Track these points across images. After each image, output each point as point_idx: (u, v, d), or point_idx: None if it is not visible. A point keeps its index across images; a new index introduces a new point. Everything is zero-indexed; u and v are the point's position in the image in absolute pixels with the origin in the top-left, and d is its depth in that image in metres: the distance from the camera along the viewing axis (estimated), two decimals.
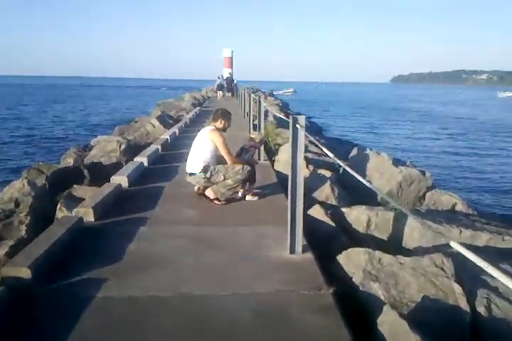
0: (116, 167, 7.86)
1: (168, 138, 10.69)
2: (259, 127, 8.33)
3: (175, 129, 12.66)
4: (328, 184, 6.49)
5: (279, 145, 10.89)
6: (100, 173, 7.48)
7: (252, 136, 6.04)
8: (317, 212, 5.25)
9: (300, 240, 3.87)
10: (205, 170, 5.30)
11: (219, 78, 33.02)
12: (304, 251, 3.89)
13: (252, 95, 13.16)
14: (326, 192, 6.32)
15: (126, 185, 6.16)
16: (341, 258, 3.89)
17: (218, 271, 3.55)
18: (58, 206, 5.36)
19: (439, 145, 22.54)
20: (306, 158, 8.17)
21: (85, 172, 7.14)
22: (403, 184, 7.02)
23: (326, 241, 4.82)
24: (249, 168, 5.45)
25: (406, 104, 64.81)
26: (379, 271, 3.55)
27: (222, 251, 3.94)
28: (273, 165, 8.00)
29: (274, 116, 16.33)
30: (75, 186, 6.21)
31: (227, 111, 5.61)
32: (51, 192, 6.34)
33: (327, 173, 7.25)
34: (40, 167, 11.61)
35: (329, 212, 5.40)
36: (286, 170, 7.73)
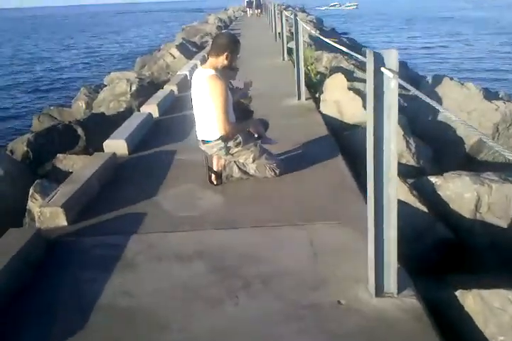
0: (124, 117, 6.20)
1: (188, 73, 8.83)
2: (297, 51, 6.37)
3: (196, 61, 10.71)
4: (399, 134, 4.67)
5: (321, 74, 8.90)
6: (101, 129, 5.88)
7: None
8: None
9: (394, 273, 2.21)
10: (224, 136, 3.58)
11: None
12: (400, 288, 2.25)
13: (285, 12, 10.90)
14: (398, 149, 4.53)
15: (125, 152, 4.55)
16: (468, 300, 2.25)
17: None
18: (30, 192, 3.87)
19: None
20: (357, 91, 6.27)
21: (79, 131, 5.56)
22: (501, 126, 5.12)
23: (419, 244, 3.17)
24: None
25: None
26: None
27: (259, 294, 2.36)
28: (318, 107, 6.16)
29: (311, 37, 13.99)
30: (58, 155, 4.67)
31: (233, 38, 3.62)
32: (31, 167, 4.84)
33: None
34: (51, 111, 10.28)
35: (409, 183, 3.67)
36: (339, 115, 5.93)
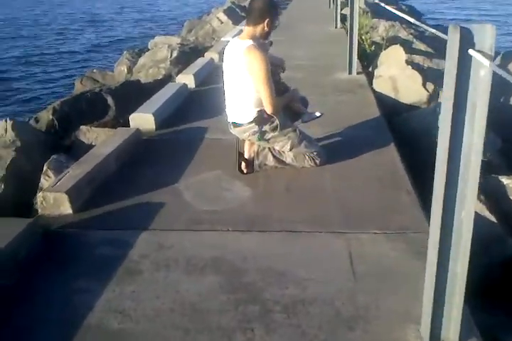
0: (161, 85, 5.75)
1: (231, 40, 8.24)
2: (352, 18, 5.65)
3: (243, 26, 10.07)
4: None
5: (377, 45, 8.10)
6: (136, 98, 5.46)
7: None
8: None
9: (457, 318, 1.69)
10: (259, 119, 3.07)
11: None
12: (463, 338, 1.73)
13: None
14: None
15: (152, 127, 4.12)
16: None
17: None
18: (44, 169, 3.53)
19: None
20: (416, 66, 5.55)
21: (109, 100, 5.17)
22: None
23: (484, 260, 2.60)
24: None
25: None
26: None
27: (279, 328, 1.91)
28: (371, 83, 5.50)
29: (366, 2, 12.94)
30: (81, 127, 4.30)
31: (270, 1, 2.97)
32: (55, 139, 4.49)
33: None
34: (93, 75, 10.02)
35: None
36: (394, 93, 5.26)
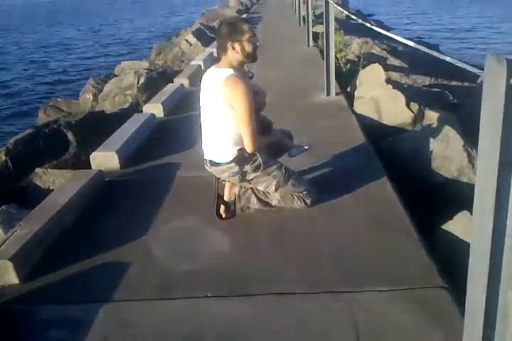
0: (127, 115, 5.31)
1: (202, 63, 7.92)
2: (327, 37, 5.36)
3: (213, 49, 9.75)
4: (459, 143, 3.70)
5: (352, 63, 7.87)
6: (99, 132, 5.01)
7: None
8: (464, 230, 2.60)
9: None
10: (240, 158, 2.69)
11: None
12: None
13: None
14: (457, 164, 3.57)
15: (116, 166, 3.69)
16: None
17: None
18: None
19: None
20: (396, 85, 5.28)
21: (69, 135, 4.71)
22: None
23: None
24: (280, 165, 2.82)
25: None
26: None
27: None
28: (351, 104, 5.19)
29: (337, 19, 12.82)
30: (37, 170, 3.83)
31: (231, 21, 2.65)
32: (9, 183, 4.01)
33: (444, 116, 4.41)
34: (58, 103, 9.61)
35: None
36: (377, 115, 4.95)
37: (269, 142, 2.81)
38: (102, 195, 3.25)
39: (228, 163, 2.67)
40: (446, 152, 3.65)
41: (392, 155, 3.95)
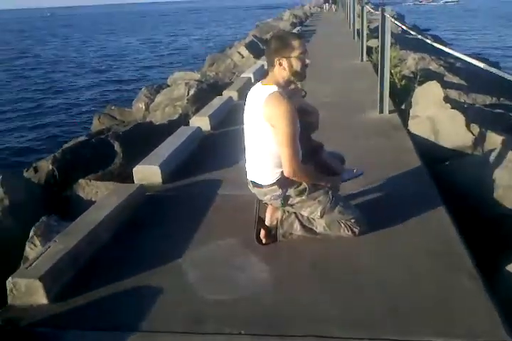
0: (177, 126, 5.25)
1: (252, 76, 7.85)
2: (383, 52, 5.13)
3: (264, 61, 9.70)
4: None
5: (408, 79, 7.56)
6: (147, 142, 4.98)
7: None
8: None
9: None
10: (283, 181, 2.52)
11: None
12: None
13: (367, 6, 9.61)
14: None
15: (159, 180, 3.61)
16: None
17: None
18: (31, 234, 3.02)
19: None
20: (455, 104, 4.96)
21: (116, 146, 4.70)
22: None
23: None
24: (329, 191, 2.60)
25: None
26: None
27: None
28: (406, 124, 4.92)
29: (392, 33, 12.51)
30: (80, 181, 3.81)
31: (280, 35, 2.52)
32: (53, 193, 4.00)
33: (508, 140, 4.08)
34: (111, 111, 9.80)
35: None
36: (434, 136, 4.66)
37: (320, 181, 2.60)
38: (140, 211, 3.16)
39: (270, 185, 2.51)
40: (511, 181, 3.33)
41: (450, 181, 3.66)
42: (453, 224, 2.78)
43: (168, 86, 10.13)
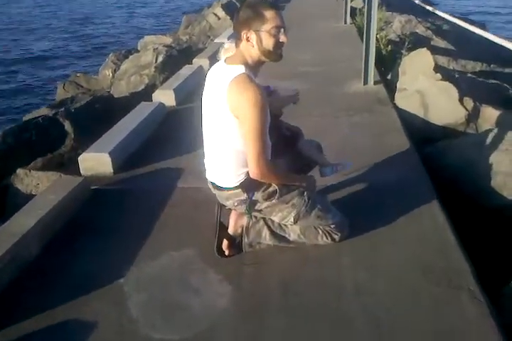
0: (136, 102, 4.65)
1: (226, 41, 7.17)
2: (369, 14, 4.55)
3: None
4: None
5: (394, 44, 7.00)
6: (102, 122, 4.40)
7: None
8: None
9: None
10: (248, 183, 2.03)
11: None
12: None
13: None
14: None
15: (109, 170, 3.11)
16: None
17: None
18: None
19: None
20: (446, 74, 4.47)
21: (66, 125, 4.13)
22: None
23: None
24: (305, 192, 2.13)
25: None
26: None
27: None
28: (392, 96, 4.43)
29: None
30: (18, 171, 3.28)
31: (262, 4, 1.86)
32: None
33: (507, 116, 3.66)
34: (77, 79, 9.22)
35: None
36: (424, 112, 4.17)
37: (292, 182, 2.13)
38: (82, 211, 2.67)
39: (233, 188, 2.03)
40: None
41: (440, 166, 3.23)
42: (448, 224, 2.36)
43: (138, 51, 9.40)
